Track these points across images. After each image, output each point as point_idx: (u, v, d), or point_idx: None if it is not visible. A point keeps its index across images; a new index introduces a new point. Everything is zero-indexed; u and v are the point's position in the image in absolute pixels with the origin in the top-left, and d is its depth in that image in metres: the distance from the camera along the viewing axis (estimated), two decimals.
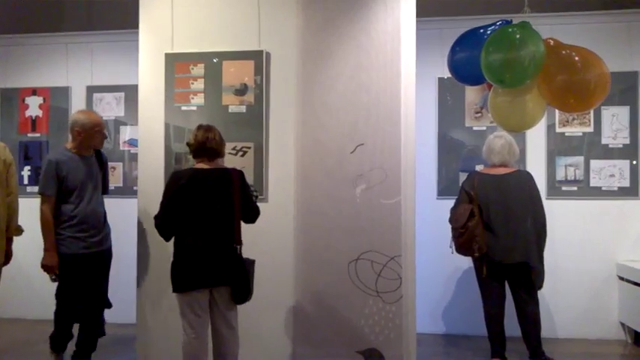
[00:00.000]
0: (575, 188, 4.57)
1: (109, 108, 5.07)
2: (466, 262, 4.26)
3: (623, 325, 4.46)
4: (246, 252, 3.09)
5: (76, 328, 3.64)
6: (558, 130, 4.60)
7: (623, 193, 4.53)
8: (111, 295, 3.75)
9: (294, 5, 3.72)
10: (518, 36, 2.79)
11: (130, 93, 4.84)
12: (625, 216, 4.51)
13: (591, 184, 4.56)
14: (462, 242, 3.70)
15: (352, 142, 3.64)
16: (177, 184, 2.97)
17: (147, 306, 3.86)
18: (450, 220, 3.82)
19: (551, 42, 2.88)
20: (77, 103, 5.08)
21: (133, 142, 4.93)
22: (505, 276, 3.80)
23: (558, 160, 4.59)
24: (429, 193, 4.68)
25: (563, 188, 4.58)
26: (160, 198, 3.07)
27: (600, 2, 4.84)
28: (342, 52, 3.66)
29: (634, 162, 4.52)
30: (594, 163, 4.56)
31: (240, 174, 3.09)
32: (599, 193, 4.55)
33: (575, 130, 4.60)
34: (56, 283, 3.53)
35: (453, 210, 3.85)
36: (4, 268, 3.60)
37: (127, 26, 4.55)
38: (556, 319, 4.53)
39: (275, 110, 3.80)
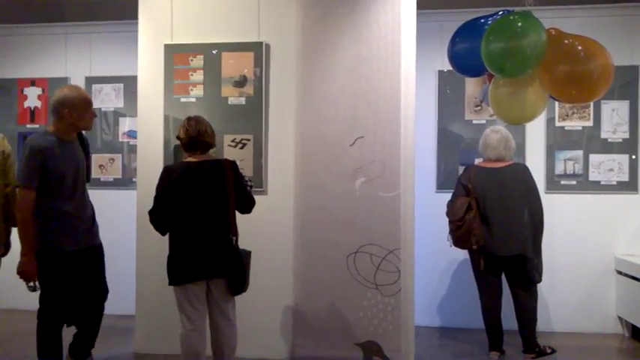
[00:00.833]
0: (574, 182, 4.57)
1: (108, 99, 5.05)
2: (464, 255, 4.27)
3: (620, 318, 4.47)
4: (245, 244, 3.08)
5: (68, 332, 3.31)
6: (558, 123, 4.59)
7: (622, 187, 4.53)
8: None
9: None
10: (519, 24, 2.75)
11: (129, 84, 4.82)
12: (623, 210, 4.51)
13: (590, 179, 4.55)
14: (460, 235, 3.70)
15: (352, 135, 3.63)
16: (169, 179, 2.94)
17: (145, 298, 3.87)
18: (448, 214, 3.82)
19: (553, 31, 2.84)
20: None
21: (132, 134, 4.92)
22: (502, 269, 3.81)
23: (557, 154, 4.58)
24: (428, 187, 4.67)
25: (562, 182, 4.58)
26: None
27: None
28: (342, 44, 3.65)
29: (633, 157, 4.52)
30: (593, 158, 4.56)
31: (232, 164, 3.04)
32: (598, 187, 4.55)
33: (574, 124, 4.59)
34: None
35: (450, 203, 3.85)
36: (4, 259, 3.59)
37: (126, 17, 4.52)
38: (554, 312, 4.54)
39: (274, 102, 3.80)
